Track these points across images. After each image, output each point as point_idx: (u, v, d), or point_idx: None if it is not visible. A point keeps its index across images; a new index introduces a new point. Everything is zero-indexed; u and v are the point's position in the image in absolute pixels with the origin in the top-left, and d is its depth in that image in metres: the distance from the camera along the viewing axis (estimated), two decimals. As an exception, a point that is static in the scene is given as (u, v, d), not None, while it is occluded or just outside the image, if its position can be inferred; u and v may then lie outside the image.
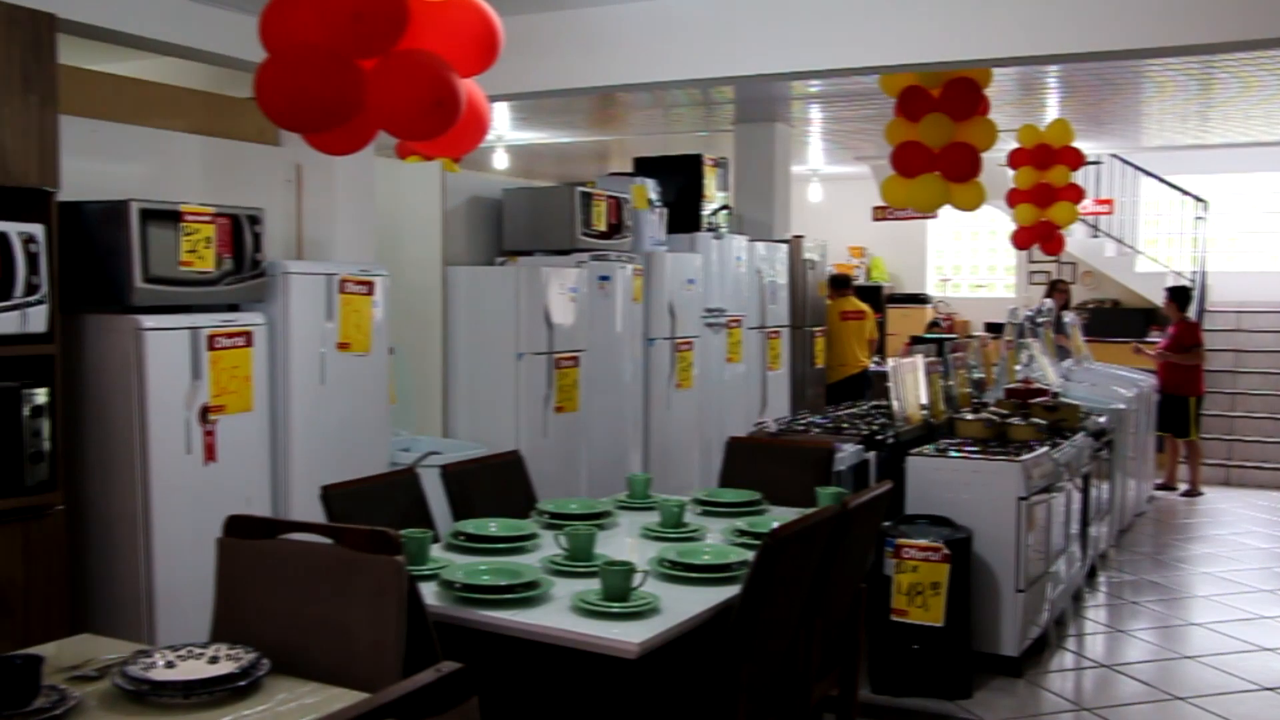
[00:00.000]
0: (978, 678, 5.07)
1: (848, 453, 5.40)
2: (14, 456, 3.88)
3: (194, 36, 5.19)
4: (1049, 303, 9.32)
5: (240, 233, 4.60)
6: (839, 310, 9.93)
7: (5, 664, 2.19)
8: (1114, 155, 12.54)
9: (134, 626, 4.28)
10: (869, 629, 4.73)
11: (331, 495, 3.66)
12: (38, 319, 3.93)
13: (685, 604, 3.11)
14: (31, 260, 3.89)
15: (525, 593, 3.11)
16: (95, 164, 4.71)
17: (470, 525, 3.79)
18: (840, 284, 10.14)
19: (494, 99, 3.70)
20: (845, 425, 6.10)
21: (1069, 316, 9.74)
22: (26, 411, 3.91)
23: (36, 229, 3.92)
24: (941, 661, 4.92)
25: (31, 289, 3.90)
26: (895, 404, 5.90)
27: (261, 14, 3.11)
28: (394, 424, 5.65)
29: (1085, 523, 6.41)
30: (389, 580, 2.55)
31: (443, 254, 6.19)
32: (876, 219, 13.55)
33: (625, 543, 3.85)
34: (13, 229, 3.84)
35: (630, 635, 2.85)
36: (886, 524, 4.94)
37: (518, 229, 6.72)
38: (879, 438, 5.72)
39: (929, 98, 6.57)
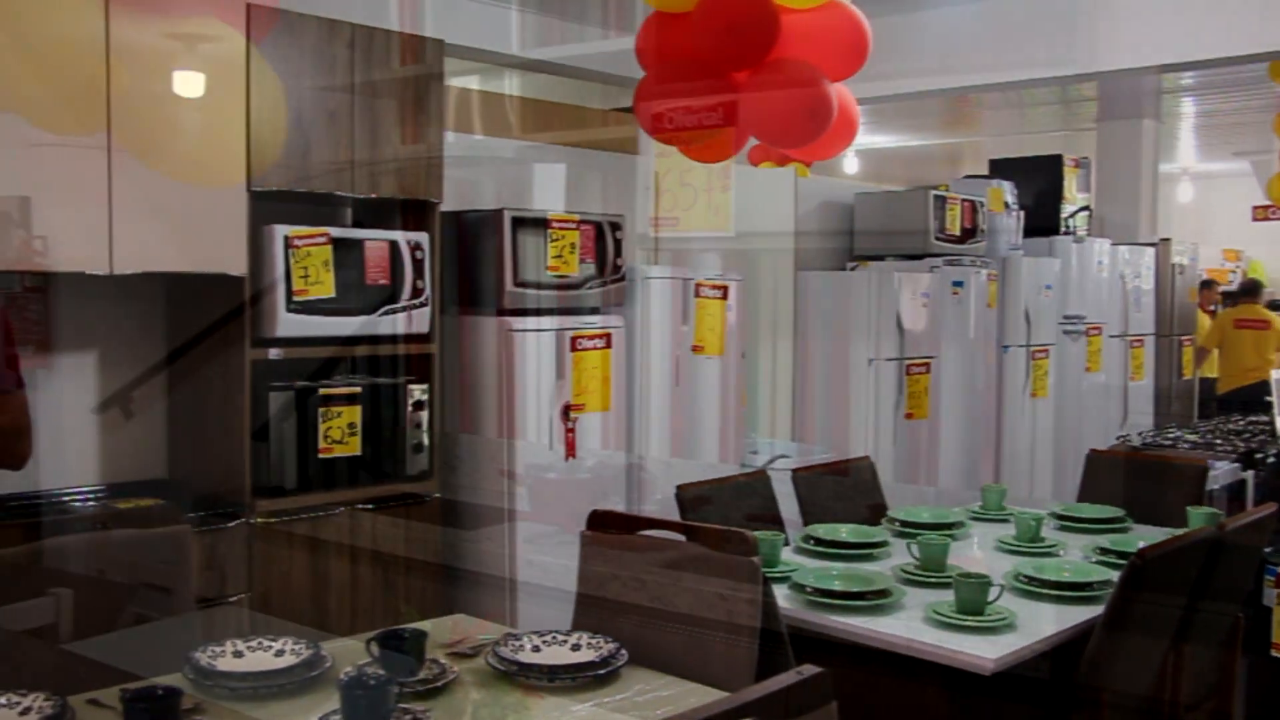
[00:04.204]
0: (1372, 724, 4.62)
1: (1222, 470, 5.05)
2: (398, 447, 4.22)
3: (566, 55, 5.45)
4: None
5: (602, 239, 4.80)
6: (1233, 318, 9.24)
7: (396, 636, 2.38)
8: None
9: (497, 609, 4.54)
10: (1246, 662, 4.41)
11: (685, 494, 3.75)
12: (421, 320, 4.26)
13: (1042, 621, 3.00)
14: (417, 266, 4.22)
15: (877, 600, 3.09)
16: (471, 175, 5.03)
17: (821, 530, 3.79)
18: (1247, 291, 9.46)
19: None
20: (1218, 441, 5.71)
21: None
22: (409, 406, 4.24)
23: (422, 237, 4.26)
24: (1328, 702, 4.51)
25: (416, 292, 4.22)
26: (1278, 420, 5.46)
27: (639, 31, 3.23)
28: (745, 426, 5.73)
29: None
30: (745, 580, 2.59)
31: (795, 258, 6.22)
32: (1257, 219, 12.54)
33: (978, 555, 3.76)
34: (402, 238, 4.18)
35: (985, 650, 2.77)
36: (1268, 550, 4.58)
37: (869, 233, 6.67)
38: (1258, 455, 5.31)
39: (1325, 86, 6.03)
